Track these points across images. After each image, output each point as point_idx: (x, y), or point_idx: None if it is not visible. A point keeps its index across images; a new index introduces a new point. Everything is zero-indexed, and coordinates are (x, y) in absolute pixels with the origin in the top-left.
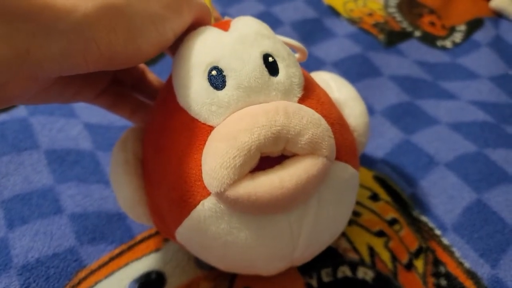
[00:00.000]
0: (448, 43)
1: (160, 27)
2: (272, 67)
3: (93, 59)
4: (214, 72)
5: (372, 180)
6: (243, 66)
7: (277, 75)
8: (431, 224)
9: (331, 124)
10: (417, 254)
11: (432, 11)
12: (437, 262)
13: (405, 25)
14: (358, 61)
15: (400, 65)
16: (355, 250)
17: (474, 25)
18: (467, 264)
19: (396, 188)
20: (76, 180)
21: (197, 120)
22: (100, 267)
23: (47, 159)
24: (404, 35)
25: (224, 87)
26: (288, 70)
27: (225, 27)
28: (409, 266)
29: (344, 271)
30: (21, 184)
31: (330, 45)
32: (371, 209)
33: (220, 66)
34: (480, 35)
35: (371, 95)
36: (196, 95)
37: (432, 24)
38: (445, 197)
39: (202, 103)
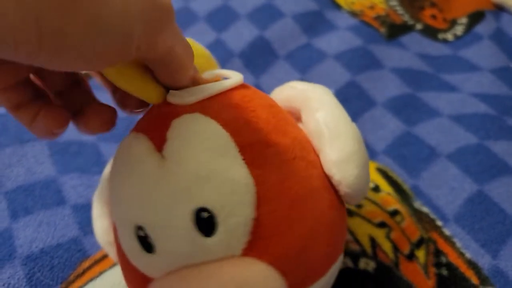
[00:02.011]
0: (449, 36)
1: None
2: (206, 225)
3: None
4: (141, 233)
5: (373, 172)
6: (170, 230)
7: (213, 234)
8: (432, 215)
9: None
10: (418, 244)
11: (433, 4)
12: (438, 253)
13: (406, 18)
14: (360, 53)
15: (402, 58)
16: (357, 241)
17: (475, 18)
18: (468, 255)
19: (397, 179)
20: (78, 171)
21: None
22: (104, 257)
23: (50, 150)
24: (405, 28)
25: (154, 250)
26: (229, 221)
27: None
28: (411, 257)
29: (346, 262)
30: (24, 175)
31: (331, 37)
32: (373, 200)
33: (146, 227)
34: (481, 28)
35: (373, 87)
36: (130, 250)
37: (434, 17)
38: (447, 188)
39: (138, 260)
